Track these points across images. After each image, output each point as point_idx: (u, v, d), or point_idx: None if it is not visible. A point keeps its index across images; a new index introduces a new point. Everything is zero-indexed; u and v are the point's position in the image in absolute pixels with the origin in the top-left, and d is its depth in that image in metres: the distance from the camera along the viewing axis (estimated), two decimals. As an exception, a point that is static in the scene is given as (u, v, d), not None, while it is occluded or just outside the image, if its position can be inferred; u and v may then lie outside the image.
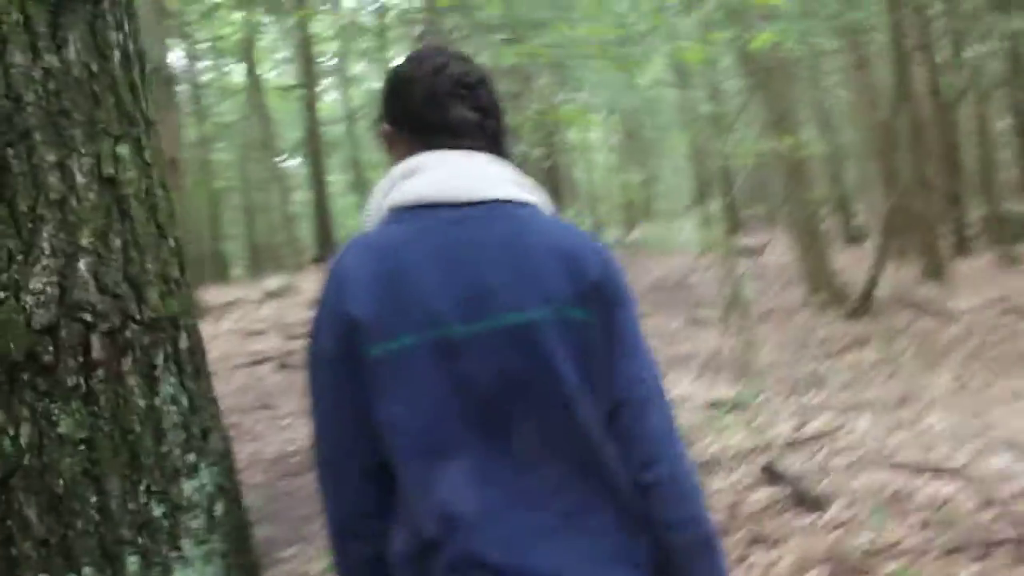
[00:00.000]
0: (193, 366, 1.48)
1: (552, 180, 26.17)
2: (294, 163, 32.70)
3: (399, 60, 1.46)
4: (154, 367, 1.37)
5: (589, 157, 34.64)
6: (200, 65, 27.96)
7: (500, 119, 1.40)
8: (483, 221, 1.27)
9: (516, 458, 1.22)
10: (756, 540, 3.27)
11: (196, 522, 1.41)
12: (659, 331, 10.29)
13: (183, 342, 1.46)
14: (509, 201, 1.30)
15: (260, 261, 28.58)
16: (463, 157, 1.32)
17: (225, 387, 9.79)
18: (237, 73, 27.81)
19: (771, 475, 3.82)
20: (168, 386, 1.39)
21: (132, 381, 1.34)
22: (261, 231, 28.86)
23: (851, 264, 13.59)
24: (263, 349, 11.92)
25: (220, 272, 28.21)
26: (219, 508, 1.47)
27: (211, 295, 17.74)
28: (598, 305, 1.27)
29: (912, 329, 9.27)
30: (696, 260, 15.37)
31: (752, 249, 15.69)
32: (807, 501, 3.46)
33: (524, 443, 1.22)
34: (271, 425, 7.84)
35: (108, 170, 1.38)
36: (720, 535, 3.23)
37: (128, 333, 1.34)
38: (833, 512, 3.35)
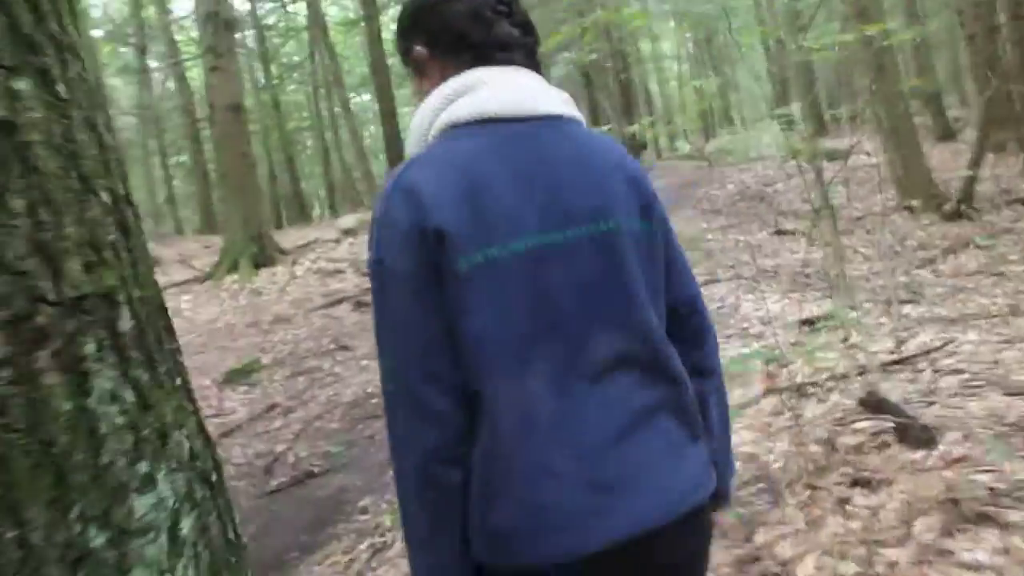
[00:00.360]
0: (143, 352, 1.19)
1: (626, 92, 25.47)
2: (364, 98, 32.53)
3: None
4: (81, 359, 1.08)
5: (662, 67, 33.55)
6: (263, 7, 27.76)
7: (536, 35, 1.43)
8: (548, 135, 1.30)
9: (592, 366, 1.24)
10: (857, 481, 2.91)
11: (152, 547, 1.12)
12: (742, 244, 9.82)
13: (124, 323, 1.16)
14: (562, 116, 1.34)
15: (337, 199, 28.68)
16: (517, 73, 1.35)
17: (302, 330, 9.79)
18: (299, 12, 27.53)
19: (871, 403, 3.43)
20: (105, 381, 1.10)
21: (51, 380, 1.05)
22: (336, 169, 28.85)
23: (946, 162, 12.74)
24: (340, 288, 11.89)
25: (300, 213, 28.50)
26: (187, 525, 1.19)
27: (289, 237, 17.85)
28: (654, 217, 1.37)
29: (1017, 229, 8.56)
30: (778, 168, 14.68)
31: (838, 152, 14.88)
32: (913, 433, 3.08)
33: (599, 350, 1.25)
34: (349, 367, 7.73)
35: (-1, 111, 1.09)
36: (816, 472, 2.87)
37: (40, 319, 1.05)
38: (945, 446, 2.96)
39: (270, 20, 28.49)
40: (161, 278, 15.86)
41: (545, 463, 1.20)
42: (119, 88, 30.60)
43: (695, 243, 9.20)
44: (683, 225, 9.66)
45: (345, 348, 8.47)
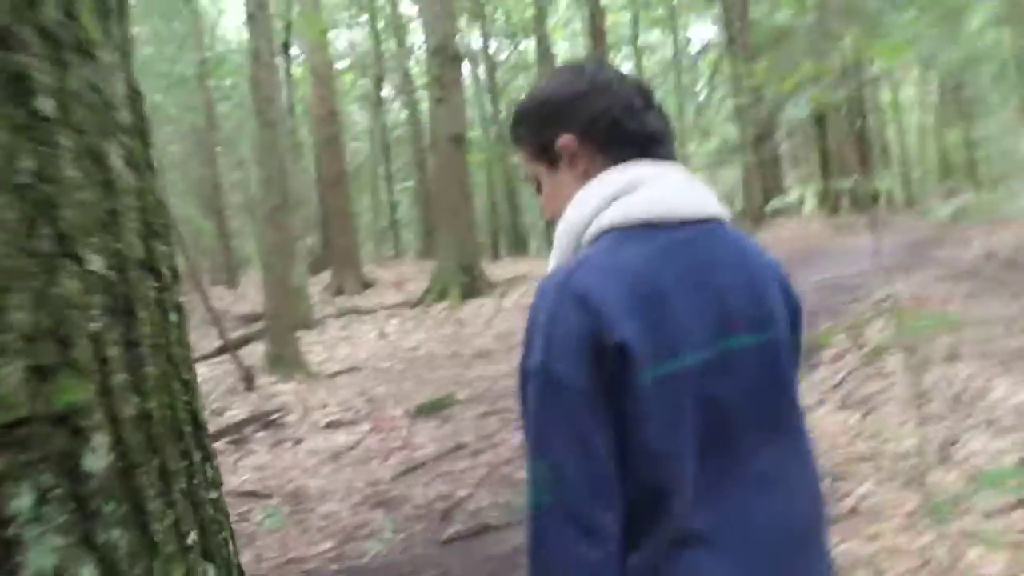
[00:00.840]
0: (130, 499, 0.81)
1: (861, 141, 24.04)
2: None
3: (558, 73, 1.44)
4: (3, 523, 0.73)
5: (902, 118, 31.53)
6: (495, 43, 28.56)
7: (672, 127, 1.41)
8: (709, 240, 1.27)
9: (749, 480, 1.23)
10: None
11: None
12: (987, 317, 8.72)
13: (94, 459, 0.80)
14: (719, 219, 1.31)
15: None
16: (673, 170, 1.32)
17: (502, 366, 9.62)
18: (530, 49, 28.09)
19: None
20: (42, 555, 0.74)
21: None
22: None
23: None
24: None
25: (517, 245, 28.84)
26: None
27: (502, 269, 18.00)
28: (797, 326, 1.37)
29: None
30: (1035, 232, 13.14)
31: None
32: None
33: (758, 465, 1.24)
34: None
35: None
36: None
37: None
38: None
39: (501, 56, 29.23)
40: (373, 300, 16.40)
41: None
42: (356, 115, 32.41)
43: (931, 313, 8.25)
44: (917, 289, 8.72)
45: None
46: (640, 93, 1.36)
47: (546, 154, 1.39)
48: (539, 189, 1.45)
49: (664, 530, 1.18)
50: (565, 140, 1.35)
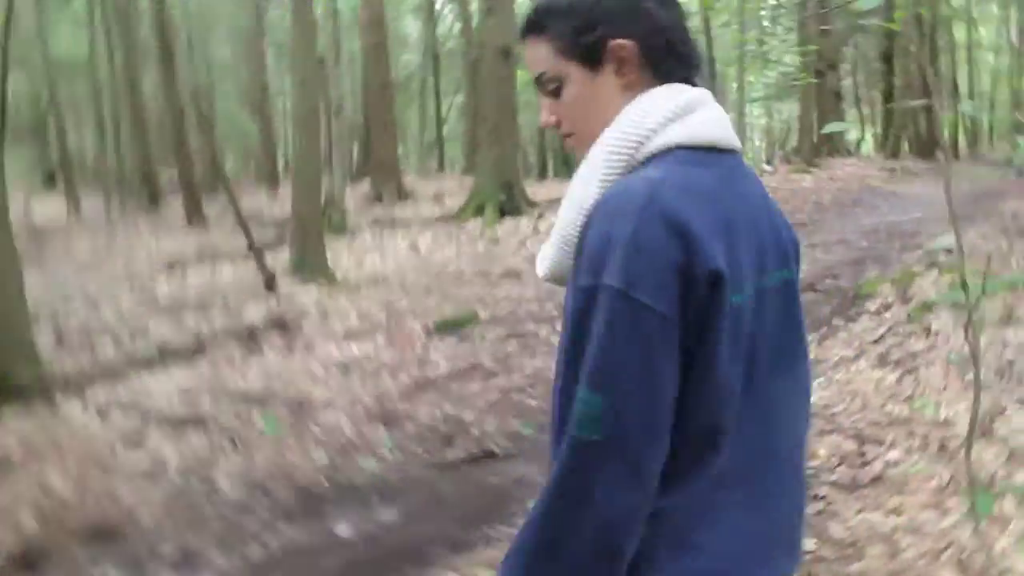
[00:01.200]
0: None
1: (928, 83, 22.92)
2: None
3: None
4: None
5: (977, 57, 30.11)
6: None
7: None
8: (743, 172, 1.26)
9: (769, 416, 1.22)
10: None
11: None
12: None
13: None
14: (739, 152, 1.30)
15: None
16: (712, 99, 1.27)
17: (529, 289, 9.31)
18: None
19: None
20: None
21: None
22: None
23: None
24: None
25: (565, 166, 28.24)
26: None
27: (545, 190, 17.58)
28: (798, 263, 1.34)
29: None
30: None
31: None
32: None
33: (775, 401, 1.23)
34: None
35: None
36: None
37: None
38: None
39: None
40: (410, 211, 16.13)
41: (752, 519, 1.20)
42: (410, 26, 31.77)
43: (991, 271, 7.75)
44: (978, 243, 8.19)
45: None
46: (681, 13, 1.31)
47: (588, 55, 1.25)
48: (552, 92, 1.30)
49: (708, 472, 1.15)
50: (623, 44, 1.23)
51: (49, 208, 20.49)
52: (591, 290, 1.10)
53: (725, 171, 1.21)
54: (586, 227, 1.14)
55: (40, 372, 5.95)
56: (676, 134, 1.19)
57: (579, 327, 1.11)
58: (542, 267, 1.30)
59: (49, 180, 26.12)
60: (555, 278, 1.29)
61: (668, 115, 1.20)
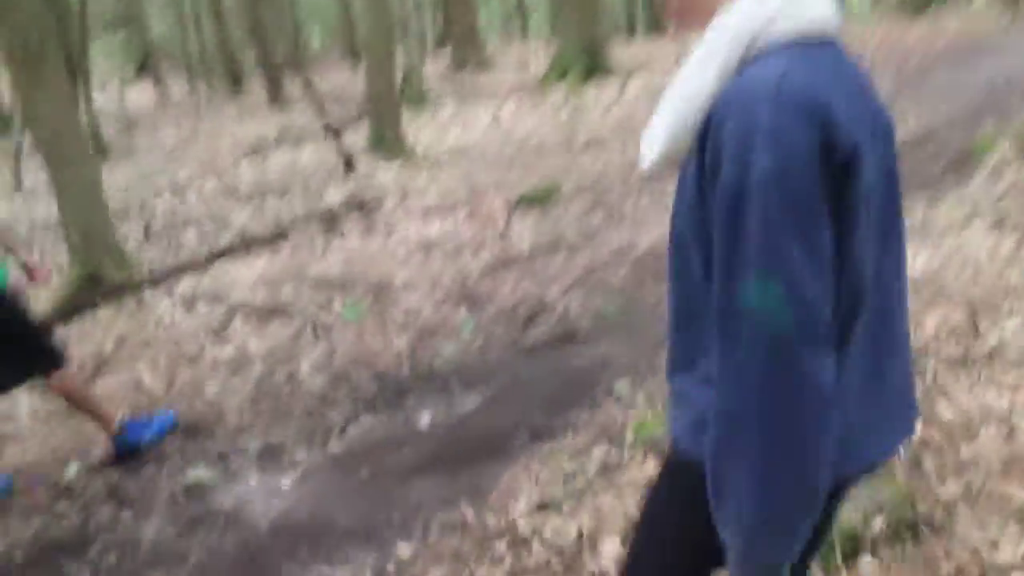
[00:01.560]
0: None
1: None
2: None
3: None
4: None
5: None
6: None
7: None
8: (847, 57, 1.24)
9: (881, 290, 1.24)
10: None
11: None
12: None
13: None
14: None
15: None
16: None
17: (615, 157, 8.97)
18: None
19: None
20: None
21: None
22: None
23: None
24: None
25: (655, 26, 26.99)
26: None
27: (632, 52, 16.79)
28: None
29: None
30: None
31: None
32: None
33: (886, 276, 1.25)
34: (657, 208, 6.82)
35: None
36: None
37: None
38: None
39: None
40: (492, 79, 15.68)
41: (873, 384, 1.25)
42: None
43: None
44: None
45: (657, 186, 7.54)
46: None
47: None
48: None
49: (847, 349, 1.18)
50: None
51: (142, 96, 20.76)
52: (739, 183, 1.09)
53: (837, 54, 1.21)
54: (719, 119, 1.12)
55: (130, 271, 6.07)
56: (807, 19, 1.18)
57: (732, 223, 1.10)
58: (654, 151, 1.24)
59: (141, 68, 26.42)
60: (667, 164, 1.25)
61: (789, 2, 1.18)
